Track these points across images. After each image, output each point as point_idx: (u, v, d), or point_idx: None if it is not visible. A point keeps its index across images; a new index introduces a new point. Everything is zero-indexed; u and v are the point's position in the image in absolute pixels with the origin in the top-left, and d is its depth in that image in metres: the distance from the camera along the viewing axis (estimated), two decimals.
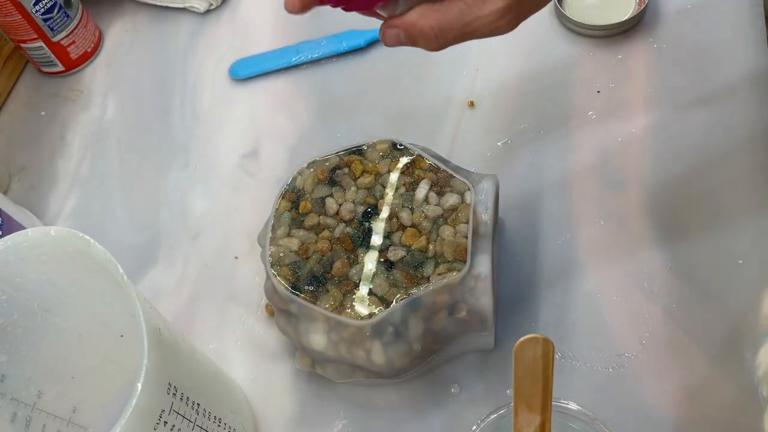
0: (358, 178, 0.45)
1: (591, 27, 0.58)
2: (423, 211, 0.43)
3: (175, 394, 0.34)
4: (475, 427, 0.38)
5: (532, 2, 0.37)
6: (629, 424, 0.43)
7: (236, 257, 0.55)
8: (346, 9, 0.38)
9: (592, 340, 0.46)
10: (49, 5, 0.63)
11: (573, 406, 0.37)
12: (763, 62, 0.55)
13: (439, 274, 0.41)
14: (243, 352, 0.51)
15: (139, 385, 0.30)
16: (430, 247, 0.42)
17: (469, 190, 0.43)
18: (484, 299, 0.41)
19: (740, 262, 0.47)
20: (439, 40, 0.37)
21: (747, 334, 0.45)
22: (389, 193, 0.44)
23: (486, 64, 0.60)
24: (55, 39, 0.65)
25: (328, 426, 0.47)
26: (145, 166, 0.62)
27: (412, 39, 0.38)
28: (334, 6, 0.38)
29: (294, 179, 0.46)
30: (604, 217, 0.51)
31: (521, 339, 0.31)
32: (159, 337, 0.33)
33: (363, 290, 0.41)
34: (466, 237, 0.42)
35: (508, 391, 0.45)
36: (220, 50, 0.67)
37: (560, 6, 0.60)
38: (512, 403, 0.33)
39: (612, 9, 0.59)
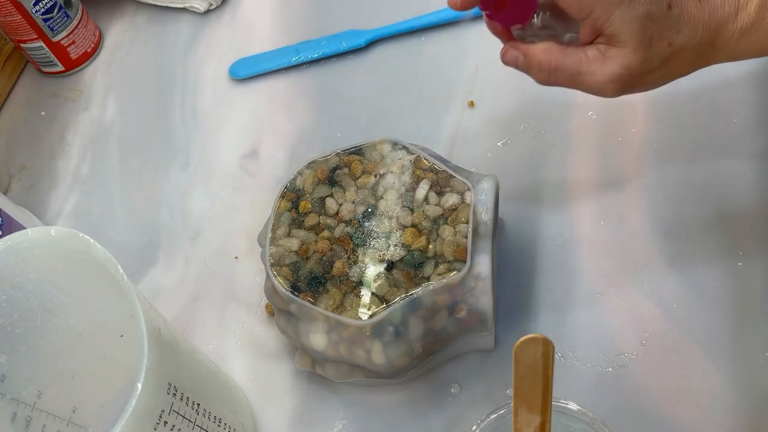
0: (358, 178, 0.45)
1: None
2: (423, 211, 0.43)
3: (175, 394, 0.34)
4: (475, 427, 0.38)
5: (642, 83, 0.39)
6: (629, 424, 0.43)
7: (236, 257, 0.55)
8: (491, 18, 0.42)
9: (592, 340, 0.46)
10: (49, 5, 0.63)
11: (573, 406, 0.37)
12: (763, 62, 0.55)
13: (439, 274, 0.41)
14: (243, 352, 0.51)
15: (139, 385, 0.30)
16: (430, 247, 0.42)
17: (469, 190, 0.43)
18: (484, 299, 0.41)
19: (740, 264, 0.47)
20: (550, 77, 0.40)
21: (747, 334, 0.45)
22: (389, 193, 0.44)
23: (486, 64, 0.60)
24: (55, 39, 0.65)
25: (328, 426, 0.47)
26: (145, 166, 0.62)
27: (527, 66, 0.40)
28: (483, 9, 0.41)
29: (294, 179, 0.46)
30: (604, 217, 0.51)
31: (521, 339, 0.31)
32: (159, 337, 0.33)
33: (363, 290, 0.41)
34: (466, 237, 0.42)
35: (508, 391, 0.45)
36: (220, 50, 0.67)
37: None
38: (512, 403, 0.33)
39: None
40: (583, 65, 0.38)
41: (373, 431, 0.46)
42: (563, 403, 0.37)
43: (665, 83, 0.40)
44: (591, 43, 0.38)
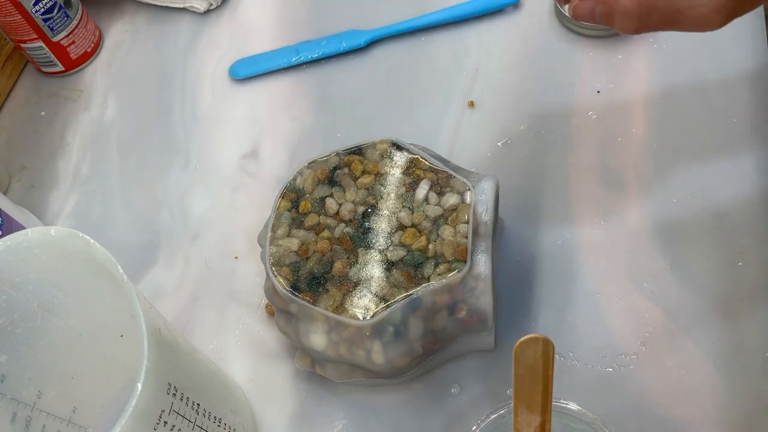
0: (358, 178, 0.45)
1: (591, 27, 0.58)
2: (423, 211, 0.43)
3: (175, 394, 0.34)
4: (475, 427, 0.38)
5: (749, 2, 0.33)
6: (629, 424, 0.43)
7: (236, 257, 0.55)
8: None
9: (592, 340, 0.46)
10: (49, 5, 0.63)
11: (573, 406, 0.37)
12: (763, 62, 0.55)
13: (439, 274, 0.41)
14: (243, 352, 0.51)
15: (139, 385, 0.30)
16: (430, 247, 0.42)
17: (469, 190, 0.43)
18: (484, 299, 0.41)
19: (740, 264, 0.47)
20: (642, 19, 0.34)
21: (747, 334, 0.45)
22: (389, 193, 0.44)
23: (486, 64, 0.60)
24: (55, 39, 0.65)
25: (328, 426, 0.47)
26: (145, 166, 0.62)
27: (609, 14, 0.35)
28: None
29: (294, 179, 0.46)
30: (604, 217, 0.51)
31: (521, 339, 0.31)
32: (159, 337, 0.33)
33: (363, 290, 0.41)
34: (466, 237, 0.42)
35: (508, 391, 0.45)
36: (220, 50, 0.67)
37: (560, 6, 0.60)
38: (512, 403, 0.33)
39: None
40: (687, 7, 0.32)
41: (373, 431, 0.46)
42: (563, 403, 0.37)
43: None
44: None
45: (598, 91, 0.56)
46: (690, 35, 0.57)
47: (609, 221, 0.51)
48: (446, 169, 0.45)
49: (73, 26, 0.66)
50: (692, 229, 0.49)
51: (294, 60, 0.64)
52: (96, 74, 0.69)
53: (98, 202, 0.60)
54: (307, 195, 0.45)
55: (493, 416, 0.38)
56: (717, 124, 0.53)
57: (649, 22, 0.34)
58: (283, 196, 0.46)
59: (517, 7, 0.63)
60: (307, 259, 0.43)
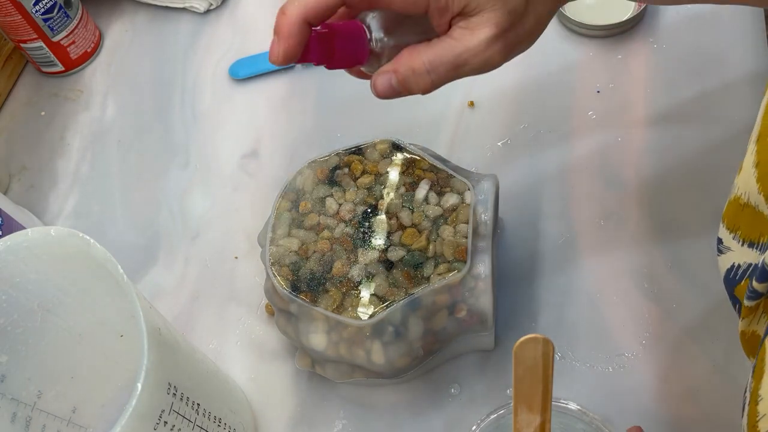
0: (358, 178, 0.45)
1: (591, 27, 0.58)
2: (423, 211, 0.43)
3: (175, 394, 0.34)
4: (475, 427, 0.38)
5: (521, 33, 0.36)
6: (629, 424, 0.43)
7: (236, 257, 0.55)
8: (329, 67, 0.37)
9: (592, 340, 0.46)
10: (49, 5, 0.63)
11: (573, 405, 0.37)
12: (763, 62, 0.55)
13: (439, 274, 0.41)
14: (243, 352, 0.51)
15: (139, 385, 0.30)
16: (430, 247, 0.42)
17: (469, 190, 0.43)
18: (484, 299, 0.41)
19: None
20: (431, 74, 0.36)
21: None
22: (389, 193, 0.44)
23: None
24: (55, 39, 0.65)
25: (328, 426, 0.47)
26: (145, 166, 0.62)
27: (404, 82, 0.36)
28: (317, 64, 0.37)
29: (294, 179, 0.46)
30: (604, 216, 0.51)
31: (521, 339, 0.31)
32: (159, 337, 0.33)
33: (363, 290, 0.41)
34: (466, 237, 0.42)
35: (508, 391, 0.45)
36: (219, 50, 0.67)
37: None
38: (512, 403, 0.33)
39: (612, 9, 0.59)
40: (455, 46, 0.35)
41: (373, 431, 0.46)
42: (563, 403, 0.37)
43: (542, 29, 0.38)
44: (449, 29, 0.36)
45: (598, 91, 0.56)
46: (690, 35, 0.57)
47: (609, 221, 0.51)
48: (446, 169, 0.45)
49: (73, 26, 0.66)
50: (692, 229, 0.49)
51: None
52: (96, 74, 0.68)
53: (98, 202, 0.60)
54: (307, 195, 0.45)
55: (492, 416, 0.38)
56: (717, 123, 0.53)
57: (439, 74, 0.36)
58: (283, 196, 0.46)
59: None
60: (307, 259, 0.43)
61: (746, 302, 0.33)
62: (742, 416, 0.33)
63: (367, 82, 0.63)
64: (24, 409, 0.40)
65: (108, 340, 0.44)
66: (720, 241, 0.37)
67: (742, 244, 0.34)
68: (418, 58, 0.36)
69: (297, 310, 0.42)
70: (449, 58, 0.35)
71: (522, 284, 0.49)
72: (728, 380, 0.44)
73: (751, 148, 0.34)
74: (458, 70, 0.36)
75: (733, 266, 0.35)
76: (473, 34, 0.35)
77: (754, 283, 0.31)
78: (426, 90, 0.37)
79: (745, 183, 0.34)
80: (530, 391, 0.32)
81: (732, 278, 0.35)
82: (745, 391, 0.33)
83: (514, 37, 0.36)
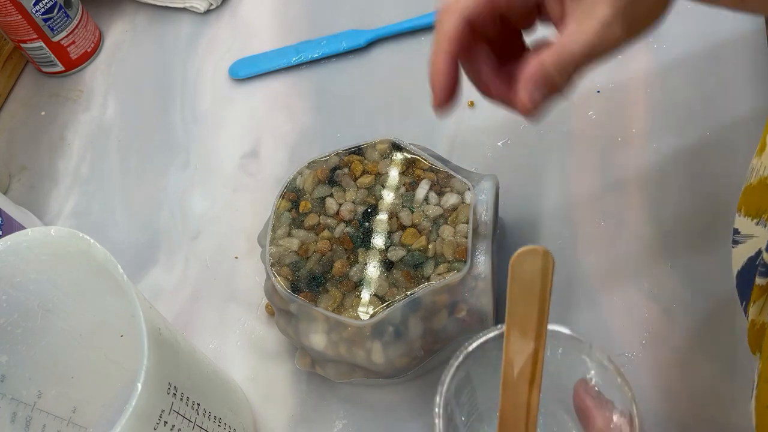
0: (358, 178, 0.45)
1: None
2: (423, 211, 0.43)
3: (175, 394, 0.34)
4: (458, 353, 0.34)
5: (642, 8, 0.33)
6: None
7: (236, 257, 0.55)
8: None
9: (592, 339, 0.46)
10: (49, 5, 0.63)
11: (565, 330, 0.34)
12: (763, 62, 0.55)
13: (439, 274, 0.41)
14: (243, 352, 0.51)
15: (139, 385, 0.30)
16: (430, 247, 0.42)
17: (469, 190, 0.43)
18: (484, 299, 0.41)
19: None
20: (558, 75, 0.34)
21: (746, 334, 0.45)
22: (389, 193, 0.44)
23: None
24: (55, 39, 0.65)
25: (327, 426, 0.47)
26: (146, 166, 0.62)
27: (541, 86, 0.34)
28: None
29: (294, 179, 0.46)
30: (604, 217, 0.51)
31: (519, 250, 0.28)
32: (159, 337, 0.33)
33: (363, 290, 0.41)
34: (466, 237, 0.42)
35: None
36: (220, 50, 0.67)
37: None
38: (504, 327, 0.30)
39: None
40: (579, 34, 0.32)
41: (373, 431, 0.46)
42: (556, 327, 0.33)
43: (666, 3, 0.34)
44: (562, 21, 0.34)
45: (598, 91, 0.56)
46: (690, 35, 0.57)
47: (609, 221, 0.51)
48: (446, 169, 0.45)
49: (73, 26, 0.66)
50: (692, 229, 0.49)
51: (294, 60, 0.64)
52: (96, 74, 0.68)
53: (98, 202, 0.60)
54: (307, 195, 0.45)
55: (481, 339, 0.34)
56: (717, 123, 0.53)
57: (565, 71, 0.34)
58: (283, 196, 0.46)
59: None
60: (307, 259, 0.43)
61: (758, 280, 0.32)
62: (751, 399, 0.32)
63: (367, 82, 0.63)
64: (24, 409, 0.40)
65: (108, 340, 0.44)
66: (736, 231, 0.36)
67: None
68: (545, 59, 0.33)
69: (297, 310, 0.43)
70: (576, 49, 0.33)
71: None
72: (728, 380, 0.44)
73: None
74: (584, 59, 0.33)
75: (760, 251, 0.33)
76: (590, 17, 0.32)
77: (765, 254, 0.30)
78: (562, 91, 0.35)
79: None
80: (525, 314, 0.29)
81: (758, 265, 0.34)
82: (754, 379, 0.32)
83: (635, 12, 0.32)
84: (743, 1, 0.34)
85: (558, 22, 0.35)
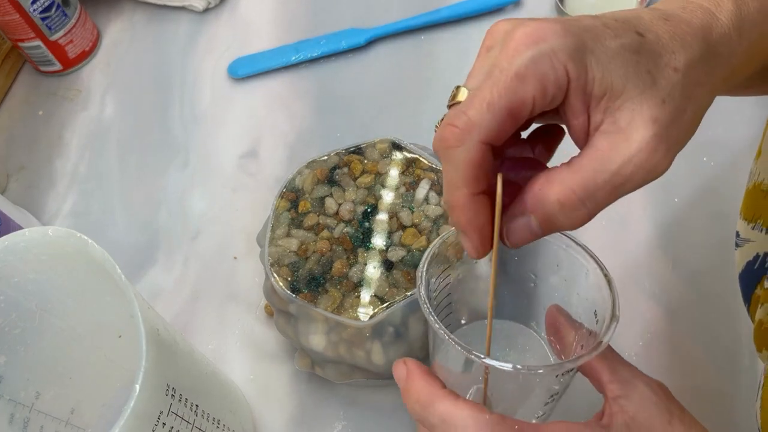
0: (358, 177, 0.45)
1: None
2: (423, 211, 0.43)
3: (173, 395, 0.34)
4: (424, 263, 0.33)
5: (683, 131, 0.28)
6: None
7: (235, 257, 0.55)
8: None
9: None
10: (46, 4, 0.63)
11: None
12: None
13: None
14: (242, 352, 0.50)
15: (138, 386, 0.30)
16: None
17: None
18: (484, 299, 0.41)
19: None
20: (587, 205, 0.27)
21: (747, 335, 0.45)
22: (389, 193, 0.44)
23: None
24: (53, 38, 0.65)
25: (327, 427, 0.46)
26: (144, 165, 0.61)
27: (550, 221, 0.28)
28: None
29: (293, 179, 0.46)
30: (605, 217, 0.51)
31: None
32: (157, 337, 0.33)
33: (363, 291, 0.41)
34: None
35: None
36: (218, 49, 0.67)
37: (561, 5, 0.60)
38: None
39: (613, 8, 0.59)
40: (607, 162, 0.26)
41: None
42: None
43: (702, 116, 0.29)
44: (588, 136, 0.28)
45: None
46: None
47: (609, 221, 0.50)
48: None
49: (71, 25, 0.66)
50: (693, 229, 0.49)
51: (293, 59, 0.64)
52: (94, 73, 0.68)
53: (96, 202, 0.60)
54: (307, 195, 0.45)
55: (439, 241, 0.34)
56: (718, 123, 0.53)
57: (597, 202, 0.27)
58: (282, 195, 0.46)
59: (517, 6, 0.63)
60: (307, 259, 0.43)
61: (767, 283, 0.32)
62: (756, 399, 0.32)
63: (367, 81, 0.63)
64: (22, 410, 0.40)
65: (106, 341, 0.44)
66: (737, 234, 0.36)
67: (767, 232, 0.33)
68: (564, 186, 0.27)
69: (296, 310, 0.42)
70: (606, 178, 0.26)
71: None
72: (729, 380, 0.44)
73: None
74: (619, 189, 0.27)
75: (757, 257, 0.34)
76: (628, 136, 0.26)
77: None
78: (581, 224, 0.28)
79: (766, 167, 0.33)
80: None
81: (756, 269, 0.34)
82: (760, 380, 0.32)
83: (676, 134, 0.28)
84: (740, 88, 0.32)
85: (579, 133, 0.29)
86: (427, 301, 0.32)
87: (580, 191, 0.27)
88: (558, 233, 0.33)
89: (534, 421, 0.33)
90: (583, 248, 0.33)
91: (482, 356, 0.29)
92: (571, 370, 0.31)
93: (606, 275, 0.32)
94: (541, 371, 0.29)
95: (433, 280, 0.34)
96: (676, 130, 0.27)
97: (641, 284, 0.48)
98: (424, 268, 0.33)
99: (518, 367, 0.28)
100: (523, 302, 0.37)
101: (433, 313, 0.31)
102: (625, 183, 0.27)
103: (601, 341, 0.29)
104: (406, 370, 0.31)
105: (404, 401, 0.31)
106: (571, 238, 0.33)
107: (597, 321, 0.32)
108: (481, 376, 0.32)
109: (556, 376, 0.31)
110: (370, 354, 0.41)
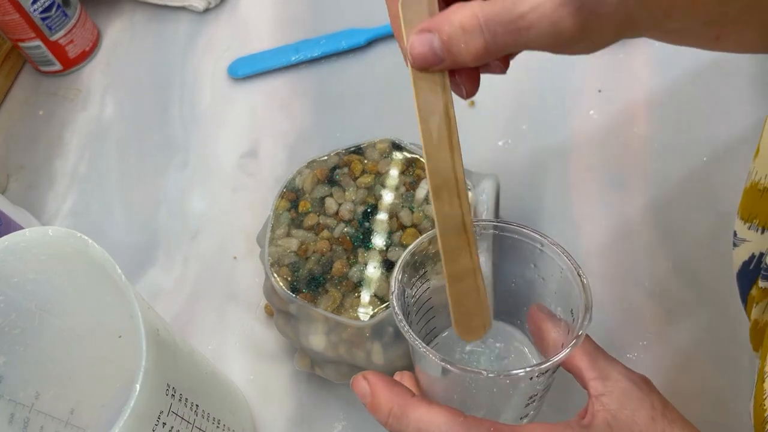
0: (358, 177, 0.45)
1: None
2: (423, 211, 0.43)
3: (173, 395, 0.34)
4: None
5: (602, 2, 0.28)
6: None
7: (235, 257, 0.55)
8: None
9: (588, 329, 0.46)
10: (47, 4, 0.63)
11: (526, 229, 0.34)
12: (763, 61, 0.54)
13: (439, 274, 0.41)
14: (242, 352, 0.50)
15: (138, 387, 0.30)
16: (430, 247, 0.42)
17: (469, 190, 0.43)
18: None
19: None
20: (485, 34, 0.28)
21: (746, 334, 0.45)
22: (389, 193, 0.44)
23: None
24: (53, 38, 0.65)
25: (327, 427, 0.46)
26: (144, 165, 0.61)
27: (449, 43, 0.28)
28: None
29: (293, 179, 0.46)
30: (604, 217, 0.51)
31: None
32: (157, 337, 0.33)
33: (363, 291, 0.41)
34: None
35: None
36: (218, 49, 0.67)
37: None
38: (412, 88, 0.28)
39: None
40: (519, 2, 0.27)
41: None
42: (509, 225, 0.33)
43: (630, 10, 0.29)
44: None
45: (599, 91, 0.56)
46: None
47: (610, 221, 0.50)
48: None
49: (72, 25, 0.66)
50: (693, 229, 0.49)
51: (293, 59, 0.64)
52: (94, 73, 0.68)
53: (96, 202, 0.60)
54: (307, 195, 0.45)
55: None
56: (718, 123, 0.53)
57: (494, 38, 0.28)
58: (282, 195, 0.46)
59: None
60: (307, 259, 0.43)
61: (761, 283, 0.32)
62: (750, 399, 0.32)
63: (367, 81, 0.63)
64: (22, 410, 0.40)
65: (106, 341, 0.44)
66: (735, 234, 0.36)
67: (762, 232, 0.33)
68: (471, 13, 0.28)
69: (296, 310, 0.42)
70: (511, 18, 0.27)
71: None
72: (729, 381, 0.44)
73: None
74: (520, 33, 0.28)
75: (752, 257, 0.34)
76: None
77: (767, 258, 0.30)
78: (477, 56, 0.28)
79: (764, 165, 0.33)
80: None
81: (751, 270, 0.34)
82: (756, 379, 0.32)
83: (592, 3, 0.27)
84: (717, 40, 0.32)
85: None
86: (399, 310, 0.31)
87: (482, 19, 0.27)
88: (535, 234, 0.34)
89: (522, 422, 0.33)
90: (557, 247, 0.33)
91: (455, 364, 0.29)
92: (547, 371, 0.31)
93: (577, 269, 0.32)
94: (516, 374, 0.29)
95: (410, 288, 0.35)
96: (593, 2, 0.27)
97: (641, 284, 0.48)
98: (398, 277, 0.33)
99: (491, 374, 0.28)
100: (507, 301, 0.38)
101: (404, 320, 0.31)
102: (528, 28, 0.27)
103: (578, 335, 0.30)
104: (368, 385, 0.31)
105: (375, 417, 0.31)
106: (546, 238, 0.34)
107: (573, 318, 0.32)
108: (462, 381, 0.32)
109: (531, 378, 0.31)
110: (370, 354, 0.41)
